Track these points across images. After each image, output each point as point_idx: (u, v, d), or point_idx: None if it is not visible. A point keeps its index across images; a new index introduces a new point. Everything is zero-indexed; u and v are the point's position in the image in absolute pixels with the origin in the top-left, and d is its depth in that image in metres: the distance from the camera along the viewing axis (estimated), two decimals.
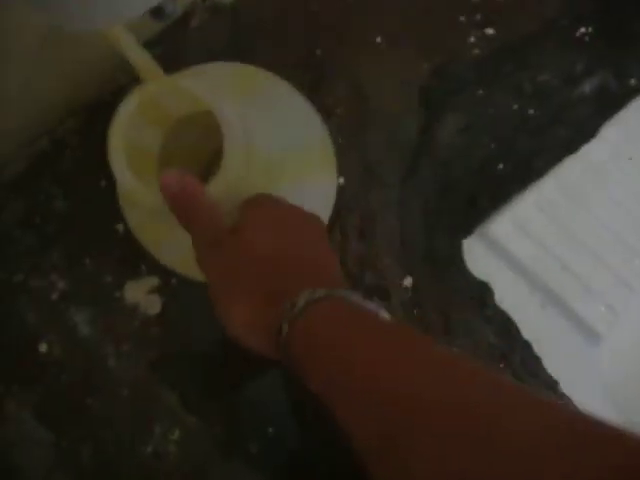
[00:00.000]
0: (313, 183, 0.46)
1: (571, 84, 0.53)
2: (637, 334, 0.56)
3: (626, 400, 0.54)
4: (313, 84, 0.50)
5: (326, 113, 0.49)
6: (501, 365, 0.48)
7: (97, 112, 0.48)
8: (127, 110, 0.40)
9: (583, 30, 0.56)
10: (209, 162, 0.45)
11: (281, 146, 0.45)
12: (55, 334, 0.47)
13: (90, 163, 0.47)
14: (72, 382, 0.47)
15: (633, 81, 0.53)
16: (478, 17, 0.54)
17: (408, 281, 0.49)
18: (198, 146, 0.44)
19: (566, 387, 0.48)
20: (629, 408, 0.53)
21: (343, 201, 0.49)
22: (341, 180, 0.49)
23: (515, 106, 0.53)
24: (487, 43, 0.54)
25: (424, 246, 0.50)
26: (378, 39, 0.53)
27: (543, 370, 0.48)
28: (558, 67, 0.54)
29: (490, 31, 0.55)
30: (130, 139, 0.40)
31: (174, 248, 0.46)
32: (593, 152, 0.54)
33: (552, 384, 0.48)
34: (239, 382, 0.50)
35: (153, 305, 0.50)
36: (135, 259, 0.48)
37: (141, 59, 0.39)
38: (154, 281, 0.49)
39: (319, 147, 0.46)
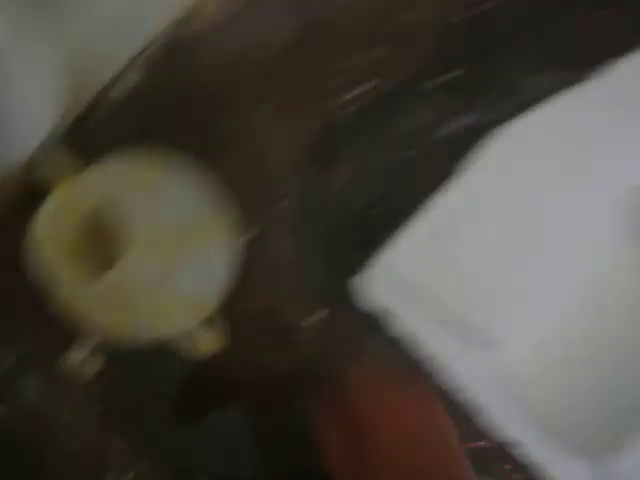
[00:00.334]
0: (214, 251, 0.53)
1: (446, 126, 0.60)
2: (533, 338, 0.63)
3: (532, 401, 0.61)
4: (210, 154, 0.57)
5: (224, 180, 0.56)
6: None
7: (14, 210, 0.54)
8: (47, 208, 0.47)
9: (456, 73, 0.62)
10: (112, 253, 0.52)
11: (178, 224, 0.51)
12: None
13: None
14: (22, 445, 0.54)
15: (501, 119, 0.60)
16: (357, 73, 0.61)
17: (314, 319, 0.56)
18: (107, 238, 0.51)
19: (473, 396, 0.55)
20: (535, 409, 0.60)
21: (247, 257, 0.56)
22: (242, 239, 0.56)
23: (398, 152, 0.60)
24: (368, 95, 0.61)
25: (327, 287, 0.57)
26: (268, 106, 0.59)
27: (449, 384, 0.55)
28: (435, 111, 0.61)
29: (371, 83, 0.62)
30: (51, 234, 0.47)
31: (101, 317, 0.52)
32: (474, 178, 0.61)
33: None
34: (192, 422, 0.56)
35: (95, 364, 0.56)
36: (73, 329, 0.54)
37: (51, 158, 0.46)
38: (93, 343, 0.56)
39: (215, 216, 0.53)
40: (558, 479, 0.54)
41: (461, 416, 0.54)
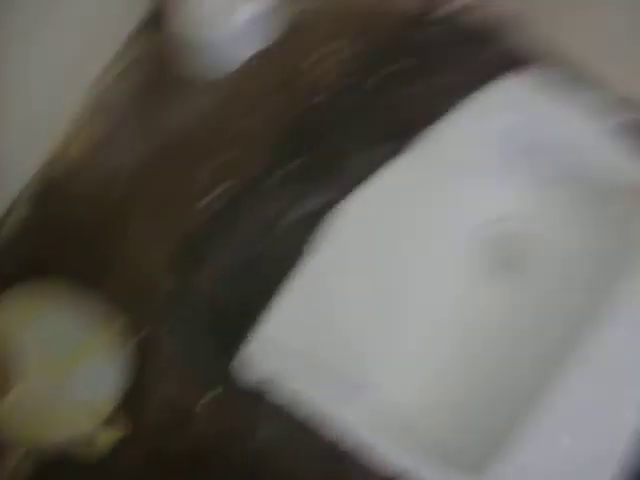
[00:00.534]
0: (106, 359, 0.61)
1: (296, 211, 0.70)
2: (410, 376, 0.71)
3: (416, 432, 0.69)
4: (94, 275, 0.65)
5: (110, 294, 0.65)
6: None
7: None
8: None
9: (297, 162, 0.72)
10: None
11: (70, 341, 0.60)
12: None
13: None
14: None
15: (344, 193, 0.70)
16: (212, 178, 0.71)
17: (207, 401, 0.64)
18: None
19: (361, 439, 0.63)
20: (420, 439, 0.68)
21: (139, 356, 0.63)
22: (132, 342, 0.64)
23: (258, 241, 0.69)
24: (225, 195, 0.70)
25: (215, 369, 0.65)
26: (138, 223, 0.68)
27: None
28: (284, 199, 0.70)
29: (227, 184, 0.71)
30: None
31: (13, 431, 0.60)
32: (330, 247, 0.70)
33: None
34: None
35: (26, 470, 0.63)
36: None
37: None
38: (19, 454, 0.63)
39: (104, 328, 0.61)
40: None
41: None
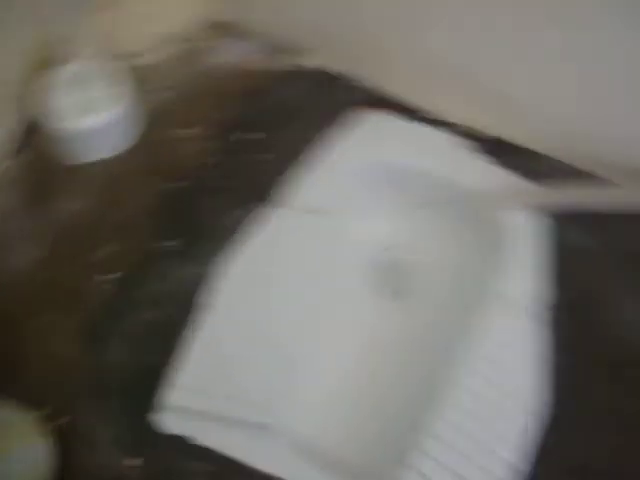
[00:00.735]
0: (28, 449, 0.64)
1: (179, 281, 0.76)
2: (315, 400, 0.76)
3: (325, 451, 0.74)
4: (11, 375, 0.69)
5: (25, 388, 0.68)
6: None
7: None
8: None
9: (176, 240, 0.79)
10: None
11: None
12: None
13: None
14: None
15: (225, 256, 0.76)
16: (106, 261, 0.76)
17: (132, 468, 0.67)
18: None
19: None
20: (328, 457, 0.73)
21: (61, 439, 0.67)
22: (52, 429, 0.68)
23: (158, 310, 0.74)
24: (121, 275, 0.76)
25: (136, 437, 0.69)
26: (40, 313, 0.73)
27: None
28: (169, 273, 0.76)
29: (118, 266, 0.76)
30: None
31: None
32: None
33: None
34: None
35: None
36: None
37: None
38: None
39: (23, 428, 0.65)
40: None
41: None
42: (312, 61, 0.90)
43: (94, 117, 0.79)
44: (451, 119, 0.89)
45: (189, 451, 0.68)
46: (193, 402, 0.70)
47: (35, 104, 0.80)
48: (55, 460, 0.65)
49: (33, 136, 0.81)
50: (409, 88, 0.89)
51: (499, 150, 0.88)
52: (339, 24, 0.88)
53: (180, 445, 0.68)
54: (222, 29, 0.91)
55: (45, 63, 0.80)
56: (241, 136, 0.84)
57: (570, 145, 0.88)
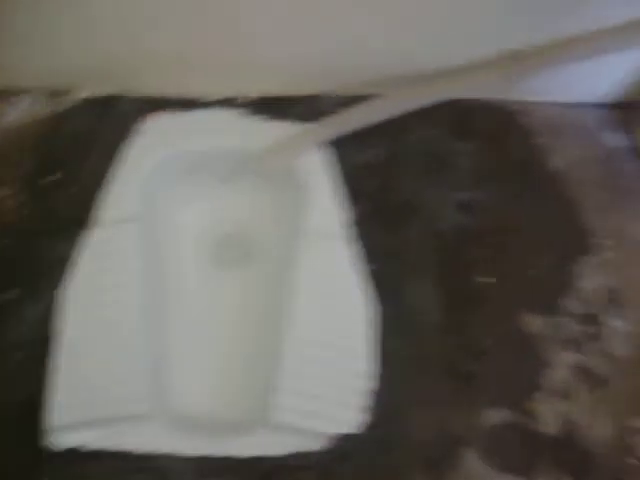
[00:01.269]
0: None
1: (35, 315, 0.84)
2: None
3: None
4: None
5: None
6: None
7: None
8: None
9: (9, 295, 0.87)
10: None
11: None
12: None
13: None
14: None
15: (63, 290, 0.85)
16: None
17: None
18: None
19: None
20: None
21: None
22: None
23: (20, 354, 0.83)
24: None
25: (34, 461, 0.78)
26: None
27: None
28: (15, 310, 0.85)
29: None
30: None
31: None
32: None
33: None
34: None
35: None
36: None
37: None
38: None
39: None
40: None
41: None
42: (90, 91, 0.99)
43: None
44: (226, 96, 0.98)
45: (85, 459, 0.78)
46: (73, 415, 0.79)
47: None
48: None
49: None
50: (181, 83, 0.98)
51: (278, 106, 0.98)
52: (99, 51, 0.96)
53: (76, 456, 0.78)
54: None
55: None
56: (46, 180, 0.92)
57: (339, 78, 0.98)
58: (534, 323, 0.89)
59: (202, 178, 0.99)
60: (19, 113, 0.97)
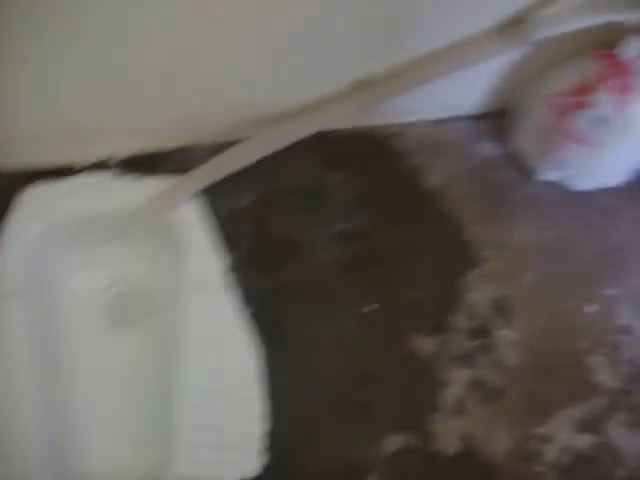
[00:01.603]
0: None
1: None
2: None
3: None
4: None
5: None
6: None
7: None
8: None
9: None
10: None
11: None
12: None
13: None
14: None
15: None
16: None
17: None
18: None
19: None
20: None
21: None
22: None
23: None
24: None
25: None
26: None
27: None
28: None
29: None
30: None
31: None
32: None
33: None
34: None
35: None
36: None
37: None
38: None
39: None
40: None
41: None
42: None
43: None
44: (99, 158, 0.98)
45: None
46: None
47: None
48: None
49: None
50: (55, 152, 0.98)
51: (150, 162, 0.98)
52: None
53: None
54: None
55: None
56: None
57: (204, 128, 0.99)
58: (425, 344, 0.90)
59: (85, 242, 0.99)
60: None
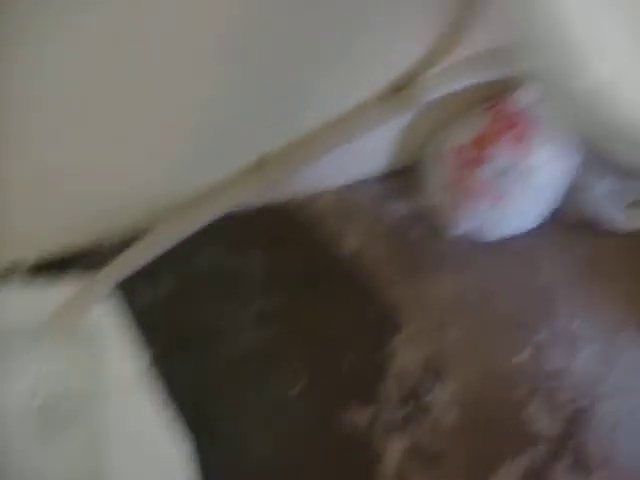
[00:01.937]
0: None
1: None
2: None
3: None
4: None
5: None
6: None
7: None
8: None
9: None
10: None
11: None
12: None
13: None
14: None
15: None
16: None
17: None
18: None
19: None
20: None
21: None
22: None
23: None
24: None
25: None
26: None
27: None
28: None
29: None
30: None
31: None
32: None
33: None
34: None
35: None
36: None
37: None
38: None
39: None
40: None
41: None
42: None
43: None
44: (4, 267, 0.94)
45: None
46: None
47: None
48: None
49: None
50: None
51: (58, 266, 0.94)
52: None
53: None
54: None
55: None
56: None
57: (109, 225, 0.97)
58: (358, 418, 0.88)
59: (4, 355, 0.94)
60: None
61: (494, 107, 0.94)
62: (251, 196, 0.94)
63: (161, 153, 0.87)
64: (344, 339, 0.93)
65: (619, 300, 1.07)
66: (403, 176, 1.07)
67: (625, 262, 1.08)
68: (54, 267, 0.94)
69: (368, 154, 1.03)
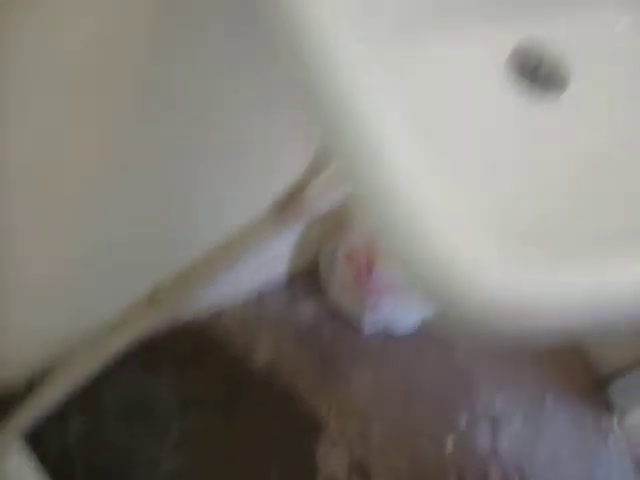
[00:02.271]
0: None
1: None
2: None
3: None
4: None
5: None
6: None
7: None
8: None
9: None
10: None
11: None
12: None
13: None
14: None
15: None
16: None
17: None
18: None
19: None
20: None
21: None
22: None
23: None
24: None
25: None
26: None
27: None
28: None
29: None
30: None
31: None
32: None
33: None
34: None
35: None
36: None
37: None
38: None
39: None
40: None
41: None
42: None
43: None
44: None
45: None
46: None
47: None
48: None
49: None
50: None
51: None
52: None
53: None
54: None
55: None
56: None
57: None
58: None
59: None
60: None
61: None
62: (150, 329, 0.94)
63: (49, 297, 0.86)
64: (268, 453, 0.92)
65: (537, 369, 1.09)
66: (307, 278, 1.08)
67: None
68: None
69: (268, 263, 1.04)
